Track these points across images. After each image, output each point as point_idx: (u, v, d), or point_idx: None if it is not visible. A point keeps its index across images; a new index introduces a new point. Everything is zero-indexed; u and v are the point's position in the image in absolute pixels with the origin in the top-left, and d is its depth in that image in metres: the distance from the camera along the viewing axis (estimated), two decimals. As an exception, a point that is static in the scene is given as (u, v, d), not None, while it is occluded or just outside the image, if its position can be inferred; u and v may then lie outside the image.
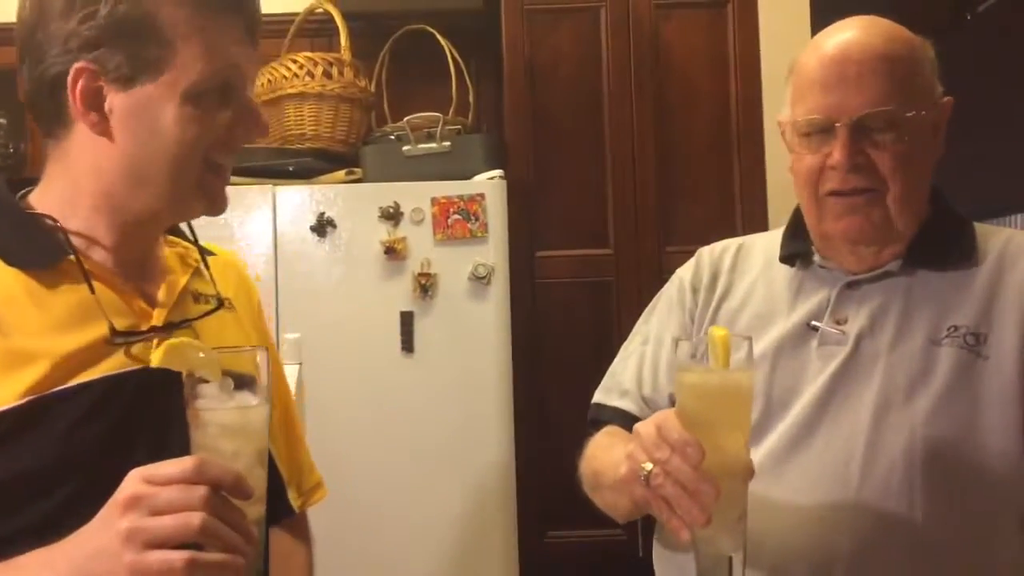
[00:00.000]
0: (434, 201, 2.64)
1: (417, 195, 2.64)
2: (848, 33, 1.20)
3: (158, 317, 1.03)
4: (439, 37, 2.94)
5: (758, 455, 1.18)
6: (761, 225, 2.71)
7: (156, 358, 0.97)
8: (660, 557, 1.33)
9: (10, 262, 0.97)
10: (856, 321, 1.21)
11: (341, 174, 2.73)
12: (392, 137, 2.81)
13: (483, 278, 2.63)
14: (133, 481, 0.82)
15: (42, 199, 1.04)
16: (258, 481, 0.88)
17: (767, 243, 1.35)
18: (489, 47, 3.10)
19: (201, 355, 0.90)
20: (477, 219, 2.64)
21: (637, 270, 2.80)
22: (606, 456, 1.24)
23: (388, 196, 2.63)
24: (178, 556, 0.79)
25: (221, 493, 0.82)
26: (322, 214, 2.63)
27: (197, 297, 1.10)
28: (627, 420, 1.31)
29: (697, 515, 0.96)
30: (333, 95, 2.78)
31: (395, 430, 2.59)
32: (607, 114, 2.85)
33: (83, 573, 0.81)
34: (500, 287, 2.64)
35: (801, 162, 1.22)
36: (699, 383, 1.01)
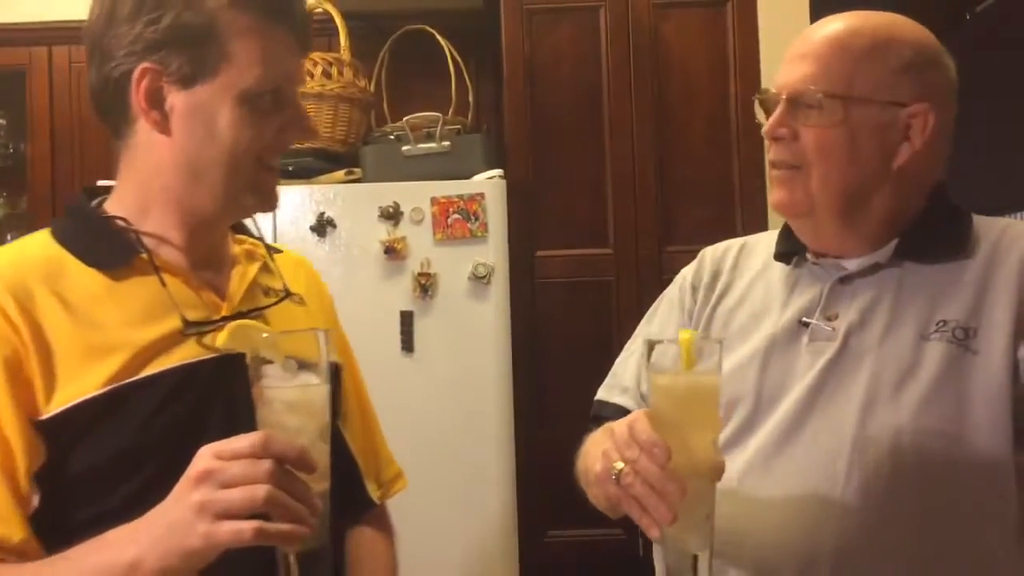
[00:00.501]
0: (434, 201, 2.64)
1: (417, 195, 2.64)
2: (834, 18, 1.23)
3: (228, 308, 1.10)
4: (439, 37, 2.95)
5: (746, 452, 1.19)
6: (761, 224, 2.71)
7: (221, 340, 1.03)
8: (661, 556, 1.33)
9: (88, 263, 1.05)
10: (846, 317, 1.21)
11: (341, 174, 2.73)
12: (392, 137, 2.82)
13: (483, 278, 2.63)
14: (204, 457, 0.87)
15: (117, 204, 1.11)
16: (321, 456, 0.92)
17: (768, 242, 1.36)
18: (489, 47, 3.10)
19: (264, 336, 0.96)
20: (477, 219, 2.64)
21: (637, 270, 2.81)
22: (597, 452, 1.25)
23: (388, 196, 2.63)
24: (247, 525, 0.84)
25: (286, 467, 0.87)
26: (322, 214, 2.63)
27: (266, 291, 1.16)
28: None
29: (664, 513, 0.97)
30: (333, 95, 2.78)
31: (395, 430, 2.57)
32: (607, 113, 2.85)
33: (162, 544, 0.87)
34: (500, 287, 2.64)
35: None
36: (667, 385, 1.02)
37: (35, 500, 0.98)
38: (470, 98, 3.02)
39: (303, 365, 0.93)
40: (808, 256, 1.27)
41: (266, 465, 0.85)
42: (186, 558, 0.86)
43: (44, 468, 0.98)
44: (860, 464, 1.13)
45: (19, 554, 0.95)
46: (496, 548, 2.61)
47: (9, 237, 3.32)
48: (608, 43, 2.85)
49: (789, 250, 1.30)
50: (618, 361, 1.42)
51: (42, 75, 3.10)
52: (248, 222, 1.22)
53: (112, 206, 1.11)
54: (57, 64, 3.10)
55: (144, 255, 1.07)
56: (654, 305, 1.44)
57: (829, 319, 1.22)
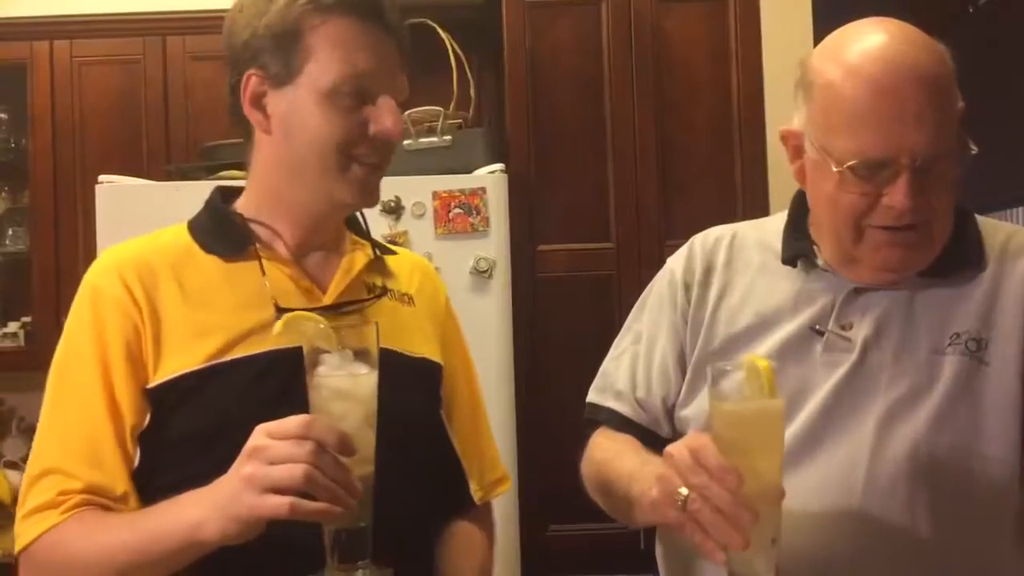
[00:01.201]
0: (435, 195, 2.64)
1: (418, 189, 2.64)
2: (889, 51, 1.12)
3: (326, 300, 1.18)
4: (440, 31, 2.94)
5: None
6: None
7: (276, 329, 1.07)
8: (664, 552, 1.33)
9: (208, 251, 1.18)
10: (861, 328, 1.18)
11: (342, 168, 2.73)
12: (393, 131, 2.81)
13: (484, 272, 2.63)
14: (257, 434, 0.96)
15: (243, 202, 1.23)
16: (365, 442, 0.98)
17: (761, 235, 1.31)
18: (490, 41, 3.10)
19: (321, 326, 1.01)
20: (478, 213, 2.64)
21: (638, 264, 2.80)
22: (616, 463, 1.23)
23: (389, 190, 2.63)
24: (284, 500, 0.92)
25: (328, 450, 0.93)
26: (323, 208, 2.63)
27: (372, 288, 1.23)
28: (622, 422, 1.31)
29: (737, 539, 0.95)
30: (334, 89, 2.78)
31: (397, 424, 2.58)
32: (608, 108, 2.84)
33: (220, 510, 0.96)
34: (501, 281, 2.64)
35: (844, 195, 1.14)
36: (736, 412, 1.00)
37: (136, 458, 1.10)
38: (471, 92, 3.01)
39: (359, 355, 1.00)
40: (819, 261, 1.24)
41: (308, 446, 0.92)
42: (238, 524, 0.95)
43: (146, 431, 1.10)
44: (877, 477, 1.13)
45: (120, 504, 1.08)
46: (498, 542, 2.61)
47: (10, 232, 3.32)
48: (609, 37, 2.85)
49: (797, 254, 1.26)
50: (608, 360, 1.38)
51: (43, 70, 3.09)
52: (361, 222, 1.29)
53: (239, 203, 1.22)
54: (58, 59, 3.09)
55: (254, 247, 1.17)
56: (642, 297, 1.39)
57: (843, 328, 1.20)
